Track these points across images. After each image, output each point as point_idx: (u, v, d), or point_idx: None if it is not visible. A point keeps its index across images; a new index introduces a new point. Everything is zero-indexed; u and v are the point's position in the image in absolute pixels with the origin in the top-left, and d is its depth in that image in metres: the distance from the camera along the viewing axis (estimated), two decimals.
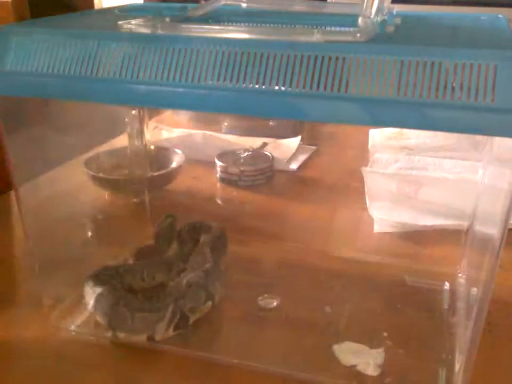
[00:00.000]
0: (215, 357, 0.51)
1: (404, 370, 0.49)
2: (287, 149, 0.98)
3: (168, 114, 1.12)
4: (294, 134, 1.02)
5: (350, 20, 0.45)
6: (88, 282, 0.55)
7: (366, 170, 0.80)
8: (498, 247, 0.39)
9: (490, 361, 0.50)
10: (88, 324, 0.54)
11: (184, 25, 0.40)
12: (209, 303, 0.55)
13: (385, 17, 0.42)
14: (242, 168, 0.86)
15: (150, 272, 0.59)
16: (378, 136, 1.00)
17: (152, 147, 0.88)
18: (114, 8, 0.55)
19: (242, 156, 0.92)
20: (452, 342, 0.52)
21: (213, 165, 0.89)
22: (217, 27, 0.40)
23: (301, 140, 1.01)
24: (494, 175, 0.50)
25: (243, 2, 0.49)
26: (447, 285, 0.61)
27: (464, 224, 0.67)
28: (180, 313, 0.52)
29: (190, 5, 0.50)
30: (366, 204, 0.77)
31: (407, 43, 0.38)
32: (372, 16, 0.39)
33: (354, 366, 0.49)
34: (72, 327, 0.54)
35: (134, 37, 0.40)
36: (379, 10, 0.40)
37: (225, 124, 1.05)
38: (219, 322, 0.57)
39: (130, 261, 0.63)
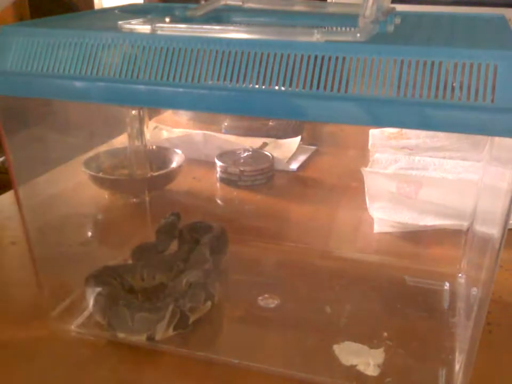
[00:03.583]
0: (215, 357, 0.51)
1: (404, 370, 0.49)
2: (287, 149, 0.98)
3: (168, 114, 1.12)
4: (294, 134, 1.02)
5: (350, 20, 0.45)
6: (88, 282, 0.55)
7: (366, 170, 0.80)
8: (498, 247, 0.39)
9: (490, 361, 0.50)
10: (88, 324, 0.54)
11: (184, 25, 0.40)
12: (209, 303, 0.55)
13: (385, 17, 0.42)
14: (242, 168, 0.86)
15: (150, 272, 0.59)
16: (378, 136, 1.00)
17: (152, 147, 0.88)
18: (114, 8, 0.55)
19: (242, 155, 0.92)
20: (452, 342, 0.52)
21: (213, 165, 0.89)
22: (217, 27, 0.40)
23: (301, 140, 1.01)
24: (494, 175, 0.50)
25: (243, 2, 0.49)
26: (447, 285, 0.61)
27: (464, 224, 0.67)
28: (179, 313, 0.52)
29: (190, 5, 0.50)
30: (366, 204, 0.77)
31: (407, 43, 0.38)
32: (372, 16, 0.39)
33: (354, 366, 0.49)
34: (72, 327, 0.54)
35: (134, 37, 0.40)
36: (379, 10, 0.40)
37: (225, 124, 1.05)
38: (219, 322, 0.57)
39: (130, 261, 0.63)
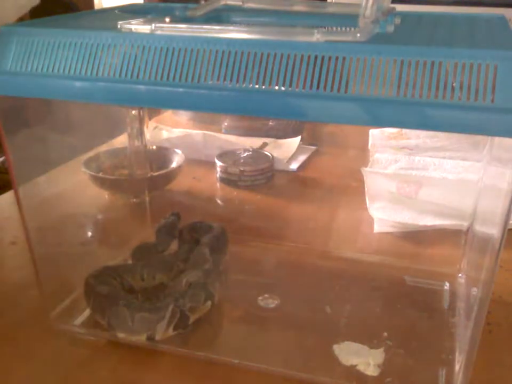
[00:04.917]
0: (215, 357, 0.51)
1: (404, 370, 0.49)
2: (287, 149, 0.98)
3: (168, 114, 1.12)
4: (294, 134, 1.02)
5: (350, 20, 0.45)
6: (88, 282, 0.55)
7: (366, 170, 0.81)
8: (498, 247, 0.39)
9: (490, 361, 0.50)
10: (88, 324, 0.54)
11: (184, 25, 0.40)
12: (209, 303, 0.55)
13: (385, 17, 0.42)
14: (242, 168, 0.86)
15: (150, 272, 0.59)
16: (378, 136, 1.01)
17: (152, 147, 0.88)
18: (114, 8, 0.55)
19: (242, 156, 0.92)
20: (452, 342, 0.52)
21: (213, 165, 0.89)
22: (217, 27, 0.40)
23: (301, 140, 1.01)
24: (494, 175, 0.50)
25: (243, 2, 0.49)
26: (447, 285, 0.61)
27: (464, 224, 0.67)
28: (179, 313, 0.52)
29: (190, 5, 0.50)
30: (366, 204, 0.77)
31: (407, 43, 0.37)
32: (372, 16, 0.39)
33: (354, 366, 0.49)
34: (72, 327, 0.54)
35: (134, 37, 0.40)
36: (379, 10, 0.40)
37: (225, 123, 1.05)
38: (219, 322, 0.57)
39: (130, 261, 0.63)
